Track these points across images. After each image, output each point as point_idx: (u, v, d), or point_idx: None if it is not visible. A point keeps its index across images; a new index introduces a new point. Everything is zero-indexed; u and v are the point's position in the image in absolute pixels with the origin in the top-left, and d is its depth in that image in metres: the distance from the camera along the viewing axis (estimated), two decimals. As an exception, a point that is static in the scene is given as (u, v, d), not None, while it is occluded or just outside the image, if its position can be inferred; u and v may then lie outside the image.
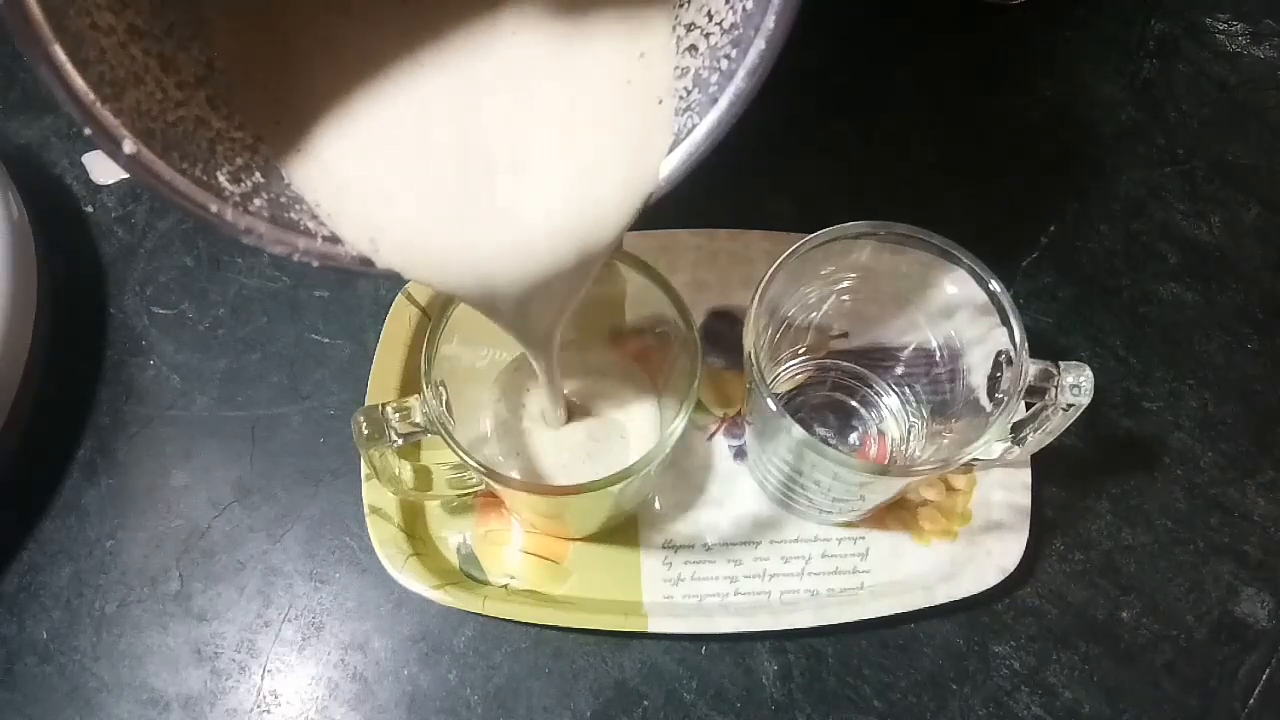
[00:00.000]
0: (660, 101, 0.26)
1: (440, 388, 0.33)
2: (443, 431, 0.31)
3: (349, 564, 0.40)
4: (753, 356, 0.32)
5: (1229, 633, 0.39)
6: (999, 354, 0.33)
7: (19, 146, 0.48)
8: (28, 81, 0.50)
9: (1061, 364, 0.32)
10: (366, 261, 0.25)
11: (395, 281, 0.43)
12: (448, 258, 0.25)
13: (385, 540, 0.38)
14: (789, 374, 0.41)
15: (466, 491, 0.38)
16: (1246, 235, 0.47)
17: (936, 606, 0.38)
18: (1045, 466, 0.40)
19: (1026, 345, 0.31)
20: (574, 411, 0.37)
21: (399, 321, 0.41)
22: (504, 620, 0.38)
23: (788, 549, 0.40)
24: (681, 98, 0.25)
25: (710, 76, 0.24)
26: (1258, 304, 0.45)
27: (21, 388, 0.40)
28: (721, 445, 0.42)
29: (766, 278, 0.33)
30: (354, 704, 0.38)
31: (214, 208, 0.22)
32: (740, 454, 0.41)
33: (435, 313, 0.33)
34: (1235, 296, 0.45)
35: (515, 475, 0.36)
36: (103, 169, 0.48)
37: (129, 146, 0.21)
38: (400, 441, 0.32)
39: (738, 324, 0.43)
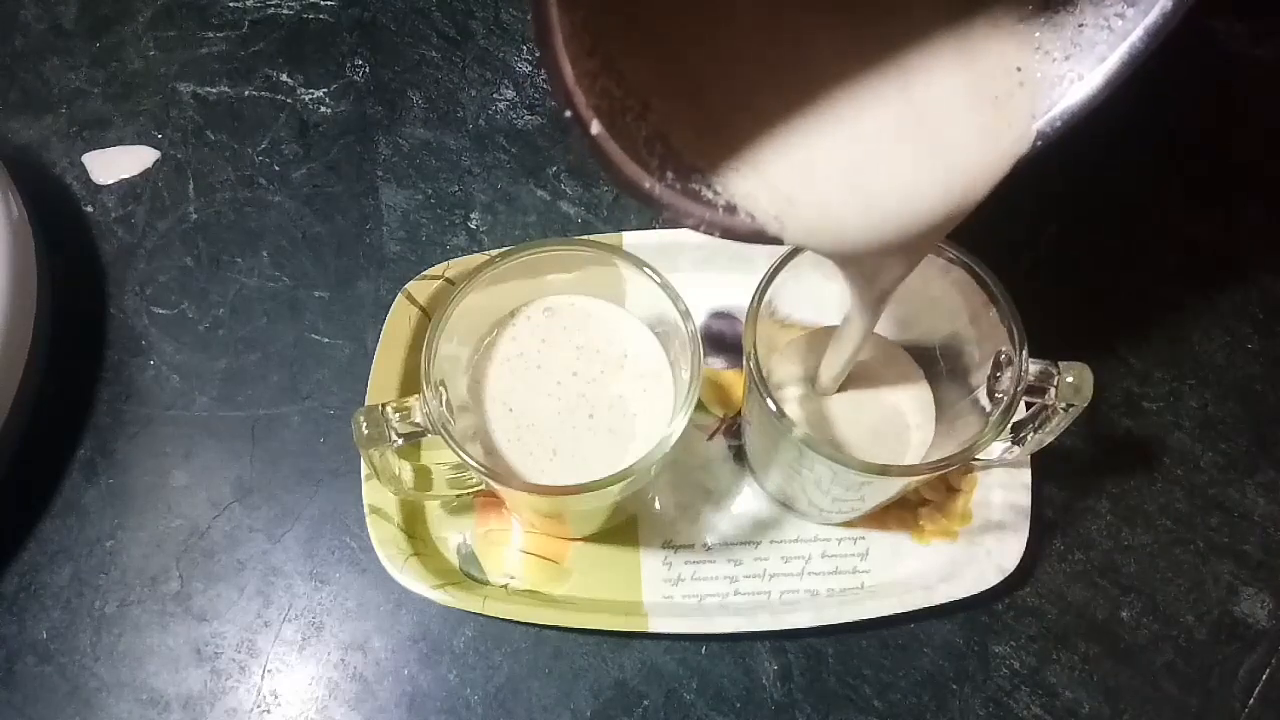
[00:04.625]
0: (1018, 69, 0.26)
1: (440, 388, 0.33)
2: (443, 431, 0.31)
3: (349, 564, 0.40)
4: (753, 356, 0.32)
5: (1229, 633, 0.39)
6: (999, 354, 0.33)
7: (19, 146, 0.48)
8: (28, 81, 0.50)
9: (1061, 364, 0.32)
10: (760, 233, 0.26)
11: (395, 281, 0.44)
12: (845, 228, 0.27)
13: (385, 540, 0.38)
14: (789, 374, 0.41)
15: (466, 491, 0.38)
16: (1246, 235, 0.47)
17: (936, 606, 0.38)
18: (1045, 466, 0.40)
19: (1026, 345, 0.31)
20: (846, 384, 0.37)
21: (399, 321, 0.41)
22: (504, 620, 0.38)
23: (788, 549, 0.40)
24: (1064, 57, 0.25)
25: (1098, 35, 0.24)
26: (1258, 304, 0.45)
27: (21, 388, 0.40)
28: (721, 445, 0.42)
29: (766, 278, 0.33)
30: (354, 704, 0.38)
31: (647, 185, 0.24)
32: (740, 454, 0.41)
33: (435, 313, 0.33)
34: (1235, 296, 0.45)
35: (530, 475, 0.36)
36: (103, 169, 0.48)
37: (595, 128, 0.23)
38: (400, 441, 0.32)
39: (738, 324, 0.43)
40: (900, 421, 0.37)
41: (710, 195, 0.26)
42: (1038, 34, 0.26)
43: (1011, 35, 0.26)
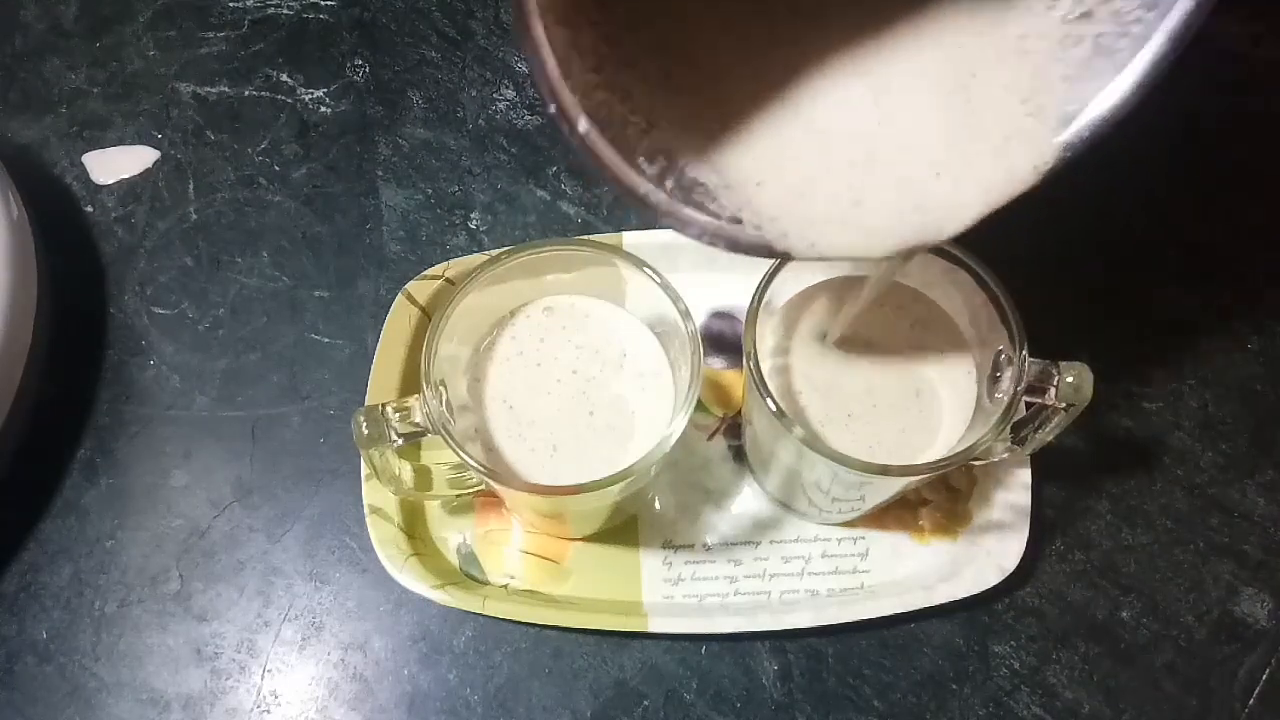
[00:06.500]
0: (1039, 81, 0.26)
1: (440, 388, 0.33)
2: (443, 431, 0.31)
3: (349, 564, 0.40)
4: (753, 356, 0.32)
5: (1229, 633, 0.39)
6: (999, 354, 0.33)
7: (19, 146, 0.48)
8: (28, 81, 0.50)
9: (1061, 364, 0.32)
10: (764, 244, 0.26)
11: (395, 281, 0.44)
12: (856, 240, 0.27)
13: (385, 540, 0.38)
14: (789, 374, 0.41)
15: (466, 491, 0.38)
16: (1246, 236, 0.47)
17: (936, 606, 0.38)
18: (1045, 466, 0.40)
19: (1026, 345, 0.31)
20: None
21: (399, 321, 0.41)
22: (504, 620, 0.38)
23: (788, 549, 0.40)
24: (1085, 67, 0.25)
25: (1117, 43, 0.24)
26: (1258, 304, 0.45)
27: (21, 388, 0.40)
28: (721, 445, 0.42)
29: (766, 278, 0.33)
30: (354, 704, 0.38)
31: (643, 190, 0.24)
32: (740, 454, 0.41)
33: (435, 313, 0.33)
34: (1235, 296, 0.45)
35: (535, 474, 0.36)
36: (103, 169, 0.48)
37: (583, 125, 0.22)
38: (400, 441, 0.32)
39: (738, 324, 0.43)
40: (935, 413, 0.36)
41: (715, 207, 0.26)
42: (1057, 46, 0.26)
43: (1031, 49, 0.26)
